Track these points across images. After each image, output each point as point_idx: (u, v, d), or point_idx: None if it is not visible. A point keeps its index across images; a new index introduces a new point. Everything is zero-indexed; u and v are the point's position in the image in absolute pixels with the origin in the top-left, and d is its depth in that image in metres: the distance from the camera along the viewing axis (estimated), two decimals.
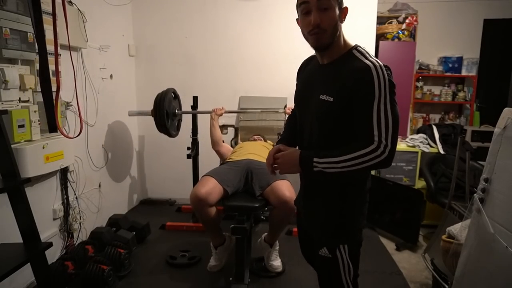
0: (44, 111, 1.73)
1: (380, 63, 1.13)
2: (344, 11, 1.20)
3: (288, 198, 2.13)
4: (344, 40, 1.22)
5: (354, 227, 1.29)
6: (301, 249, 1.58)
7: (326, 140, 1.22)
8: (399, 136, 3.97)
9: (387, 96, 1.10)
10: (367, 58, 1.15)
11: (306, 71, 1.38)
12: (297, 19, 1.28)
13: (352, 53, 1.19)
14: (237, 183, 2.33)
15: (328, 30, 1.16)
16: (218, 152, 2.89)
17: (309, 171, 1.16)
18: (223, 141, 2.97)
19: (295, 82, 1.47)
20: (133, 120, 3.67)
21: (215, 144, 2.87)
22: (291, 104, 3.02)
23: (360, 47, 1.21)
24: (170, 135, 3.00)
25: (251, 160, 2.47)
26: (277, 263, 2.41)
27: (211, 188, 2.18)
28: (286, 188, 2.19)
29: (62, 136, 2.09)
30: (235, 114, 3.63)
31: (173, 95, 2.98)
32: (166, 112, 2.81)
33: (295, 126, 1.41)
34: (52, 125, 1.68)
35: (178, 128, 3.15)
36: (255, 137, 3.07)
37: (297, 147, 1.36)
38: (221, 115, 2.97)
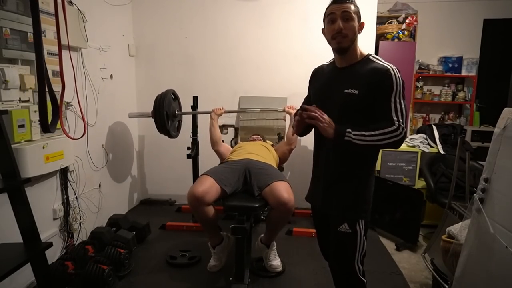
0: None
1: (394, 66, 1.44)
2: (361, 25, 1.49)
3: (286, 199, 2.12)
4: (360, 49, 1.52)
5: (368, 204, 1.54)
6: (320, 245, 1.79)
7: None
8: None
9: (401, 92, 1.42)
10: (383, 62, 1.46)
11: (322, 74, 1.63)
12: (322, 29, 1.55)
13: (369, 59, 1.49)
14: (235, 183, 2.32)
15: (349, 36, 1.44)
16: (217, 152, 2.89)
17: (340, 139, 1.40)
18: (223, 141, 2.97)
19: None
20: (133, 120, 3.67)
21: (214, 144, 2.88)
22: (291, 103, 3.05)
23: (373, 54, 1.52)
24: (171, 136, 3.00)
25: (250, 159, 2.47)
26: (276, 262, 2.41)
27: (208, 187, 2.18)
28: (285, 189, 2.18)
29: (62, 136, 2.09)
30: (235, 114, 3.63)
31: (172, 96, 2.98)
32: (166, 113, 2.81)
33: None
34: (44, 125, 1.65)
35: (178, 128, 3.16)
36: (254, 136, 3.07)
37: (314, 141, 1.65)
38: (220, 115, 2.99)
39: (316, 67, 1.70)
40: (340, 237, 1.52)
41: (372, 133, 1.38)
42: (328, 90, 1.54)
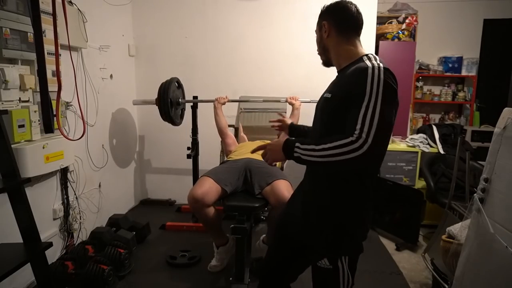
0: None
1: (381, 65, 1.15)
2: (323, 28, 1.32)
3: (287, 198, 2.11)
4: (355, 49, 1.29)
5: (356, 238, 1.28)
6: (271, 254, 1.56)
7: (326, 135, 1.23)
8: (399, 136, 3.90)
9: (378, 96, 1.10)
10: (371, 61, 1.18)
11: None
12: None
13: (362, 59, 1.23)
14: (235, 182, 2.32)
15: (319, 51, 1.40)
16: (223, 142, 2.91)
17: (290, 156, 1.19)
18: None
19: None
20: (133, 120, 3.67)
21: (220, 132, 2.91)
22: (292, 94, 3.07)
23: (371, 54, 1.25)
24: (174, 124, 3.05)
25: (250, 159, 2.47)
26: None
27: (207, 188, 2.19)
28: (285, 188, 2.18)
29: (63, 136, 2.09)
30: (235, 115, 3.64)
31: (176, 84, 3.03)
32: (170, 100, 2.87)
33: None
34: (47, 126, 1.66)
35: (181, 116, 3.21)
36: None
37: None
38: (224, 103, 3.00)
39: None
40: (319, 273, 1.31)
41: (323, 146, 1.11)
42: (320, 97, 1.38)
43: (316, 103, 1.41)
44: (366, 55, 1.25)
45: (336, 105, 1.21)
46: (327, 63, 1.39)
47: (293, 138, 1.23)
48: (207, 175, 2.31)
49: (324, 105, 1.29)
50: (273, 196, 2.17)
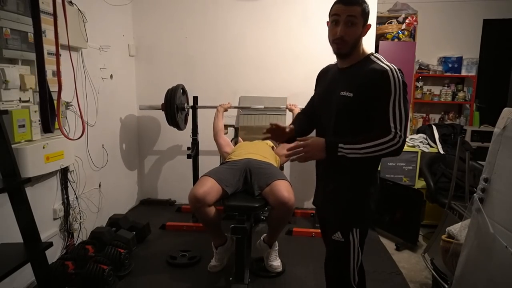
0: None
1: (395, 66, 1.35)
2: (367, 27, 1.43)
3: (286, 198, 2.13)
4: (363, 48, 1.44)
5: (366, 213, 1.46)
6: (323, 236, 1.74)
7: (342, 132, 1.41)
8: None
9: (401, 95, 1.31)
10: (383, 62, 1.37)
11: (327, 76, 1.56)
12: (327, 22, 1.45)
13: (370, 58, 1.40)
14: (236, 183, 2.33)
15: (349, 42, 1.38)
16: (216, 143, 2.97)
17: (333, 156, 1.32)
18: (226, 132, 3.12)
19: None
20: (134, 120, 3.67)
21: (215, 134, 2.98)
22: (292, 103, 3.11)
23: (376, 54, 1.43)
24: (180, 128, 3.18)
25: (250, 159, 2.48)
26: (276, 263, 2.41)
27: (209, 188, 2.19)
28: (285, 188, 2.19)
29: (63, 136, 2.09)
30: (235, 115, 3.64)
31: (181, 91, 3.14)
32: (176, 106, 2.97)
33: (305, 121, 1.64)
34: (45, 126, 1.66)
35: (185, 121, 3.33)
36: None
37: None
38: (226, 110, 3.12)
39: (323, 67, 1.63)
40: (333, 245, 1.48)
41: (366, 145, 1.29)
42: (328, 94, 1.47)
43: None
44: (372, 54, 1.42)
45: (358, 105, 1.35)
46: (344, 55, 1.41)
47: (334, 139, 1.36)
48: (208, 175, 2.31)
49: (343, 103, 1.38)
50: (273, 196, 2.17)
